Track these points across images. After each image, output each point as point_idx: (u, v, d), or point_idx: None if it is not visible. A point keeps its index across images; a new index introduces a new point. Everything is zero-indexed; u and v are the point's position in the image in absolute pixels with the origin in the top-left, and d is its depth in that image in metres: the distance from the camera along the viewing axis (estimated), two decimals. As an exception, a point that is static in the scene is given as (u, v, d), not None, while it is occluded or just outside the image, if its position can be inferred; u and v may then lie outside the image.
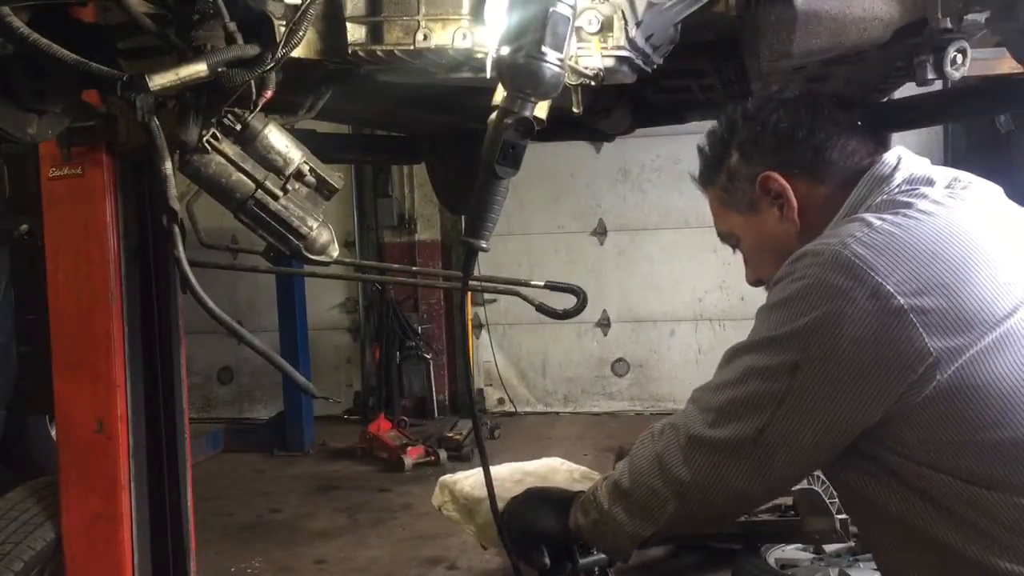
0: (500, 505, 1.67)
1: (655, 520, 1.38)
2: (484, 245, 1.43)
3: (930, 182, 1.38)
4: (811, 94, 1.59)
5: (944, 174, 1.42)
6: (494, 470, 1.83)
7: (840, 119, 1.50)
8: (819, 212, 1.44)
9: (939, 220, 1.27)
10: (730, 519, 1.41)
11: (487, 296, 7.67)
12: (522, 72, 1.35)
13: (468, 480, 1.93)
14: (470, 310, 8.01)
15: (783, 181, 1.47)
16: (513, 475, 1.95)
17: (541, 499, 1.65)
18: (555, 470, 2.02)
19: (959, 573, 1.23)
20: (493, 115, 1.38)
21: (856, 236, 1.25)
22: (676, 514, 1.36)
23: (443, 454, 6.42)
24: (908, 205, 1.31)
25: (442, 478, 1.98)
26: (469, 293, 7.45)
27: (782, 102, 1.53)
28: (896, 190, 1.38)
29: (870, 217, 1.30)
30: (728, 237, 1.64)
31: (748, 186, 1.52)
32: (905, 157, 1.43)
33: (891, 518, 1.28)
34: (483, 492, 1.74)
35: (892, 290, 1.19)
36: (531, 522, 1.61)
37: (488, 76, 1.48)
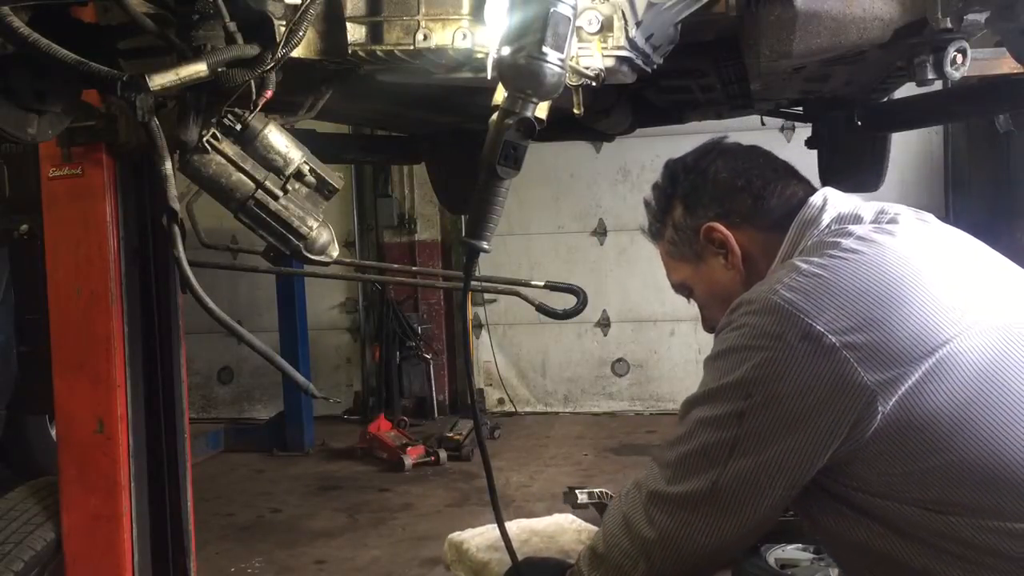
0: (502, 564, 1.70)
1: None
2: (486, 246, 1.43)
3: (857, 219, 1.41)
4: (748, 146, 1.61)
5: (870, 208, 1.44)
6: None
7: (777, 166, 1.55)
8: (762, 257, 1.48)
9: (864, 257, 1.30)
10: (714, 572, 1.38)
11: (487, 296, 7.67)
12: (523, 73, 1.34)
13: (475, 540, 1.95)
14: (470, 310, 8.01)
15: (725, 230, 1.51)
16: (520, 534, 1.95)
17: (536, 571, 1.64)
18: (563, 529, 1.99)
19: None
20: (494, 116, 1.38)
21: (784, 282, 1.28)
22: (651, 572, 1.33)
23: (443, 454, 6.42)
24: (835, 245, 1.34)
25: (451, 536, 2.00)
26: (469, 293, 7.46)
27: (721, 152, 1.58)
28: (825, 231, 1.41)
29: (798, 262, 1.33)
30: (680, 288, 1.66)
31: (693, 237, 1.56)
32: (831, 197, 1.47)
33: (874, 556, 1.28)
34: (489, 555, 1.79)
35: (822, 330, 1.21)
36: None
37: (489, 77, 1.48)
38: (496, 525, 1.81)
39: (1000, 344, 1.24)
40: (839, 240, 1.35)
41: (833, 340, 1.20)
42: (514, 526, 2.00)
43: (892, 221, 1.40)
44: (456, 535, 2.00)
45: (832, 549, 1.49)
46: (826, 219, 1.42)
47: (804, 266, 1.30)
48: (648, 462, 1.40)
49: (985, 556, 1.20)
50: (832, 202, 1.45)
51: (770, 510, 1.29)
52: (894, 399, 1.19)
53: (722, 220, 1.51)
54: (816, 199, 1.46)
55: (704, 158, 1.58)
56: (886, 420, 1.20)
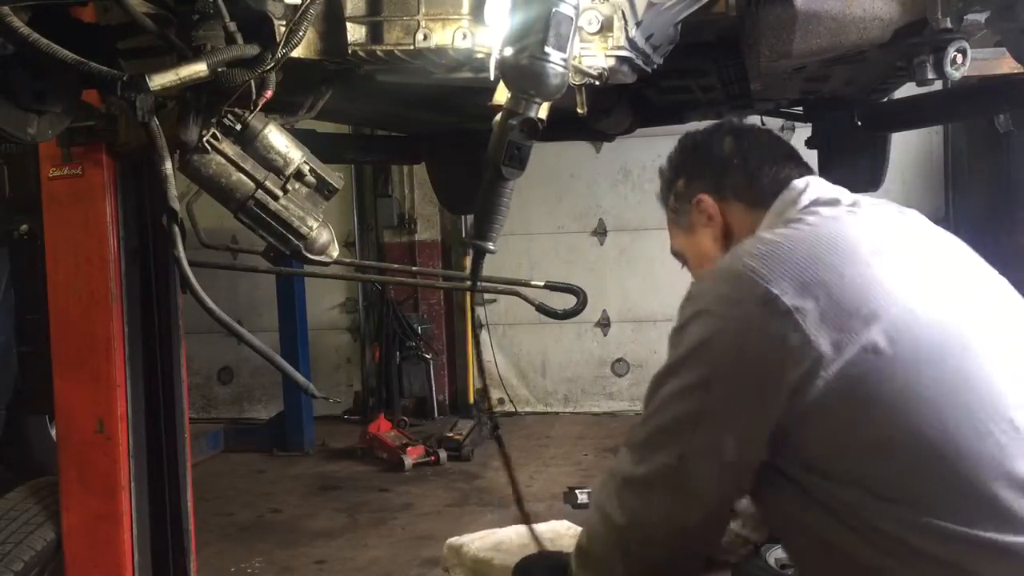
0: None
1: (614, 573, 1.38)
2: (491, 247, 1.43)
3: (833, 203, 1.45)
4: (759, 128, 1.69)
5: (849, 197, 1.48)
6: (499, 532, 1.87)
7: (781, 150, 1.60)
8: (746, 232, 1.51)
9: (822, 228, 1.35)
10: (690, 563, 1.40)
11: (487, 296, 7.66)
12: (526, 73, 1.34)
13: (476, 544, 1.96)
14: (470, 310, 8.01)
15: (713, 203, 1.57)
16: (519, 539, 1.97)
17: (538, 566, 1.68)
18: (560, 535, 2.02)
19: None
20: (498, 116, 1.38)
21: (746, 249, 1.33)
22: (628, 563, 1.34)
23: (443, 454, 6.41)
24: (800, 220, 1.40)
25: (449, 541, 2.02)
26: (469, 293, 7.46)
27: (730, 130, 1.63)
28: (799, 209, 1.45)
29: (762, 232, 1.39)
30: (678, 255, 1.71)
31: (688, 207, 1.61)
32: (814, 182, 1.51)
33: (821, 547, 1.29)
34: (491, 555, 1.83)
35: (777, 293, 1.24)
36: None
37: (492, 77, 1.48)
38: (495, 530, 1.84)
39: (939, 337, 1.25)
40: (804, 216, 1.41)
41: (787, 302, 1.23)
42: (512, 532, 2.02)
43: (860, 206, 1.44)
44: (454, 539, 2.01)
45: (786, 544, 1.50)
46: (804, 200, 1.46)
47: (766, 235, 1.36)
48: (621, 446, 1.41)
49: (919, 556, 1.20)
50: (814, 186, 1.49)
51: (735, 483, 1.31)
52: (839, 363, 1.21)
53: (713, 194, 1.57)
54: (799, 183, 1.50)
55: (713, 135, 1.63)
56: (829, 384, 1.21)
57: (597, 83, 1.59)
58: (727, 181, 1.56)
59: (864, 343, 1.21)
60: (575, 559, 1.46)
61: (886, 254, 1.32)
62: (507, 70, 1.37)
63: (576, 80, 1.55)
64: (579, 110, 1.64)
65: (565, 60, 1.35)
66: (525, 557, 1.71)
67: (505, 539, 1.96)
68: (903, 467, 1.21)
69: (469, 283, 1.51)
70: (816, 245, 1.30)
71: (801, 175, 1.53)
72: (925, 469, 1.20)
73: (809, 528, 1.29)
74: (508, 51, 1.36)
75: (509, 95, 1.37)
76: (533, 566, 1.69)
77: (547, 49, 1.33)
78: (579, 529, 2.00)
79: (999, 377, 1.26)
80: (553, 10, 1.33)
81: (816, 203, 1.45)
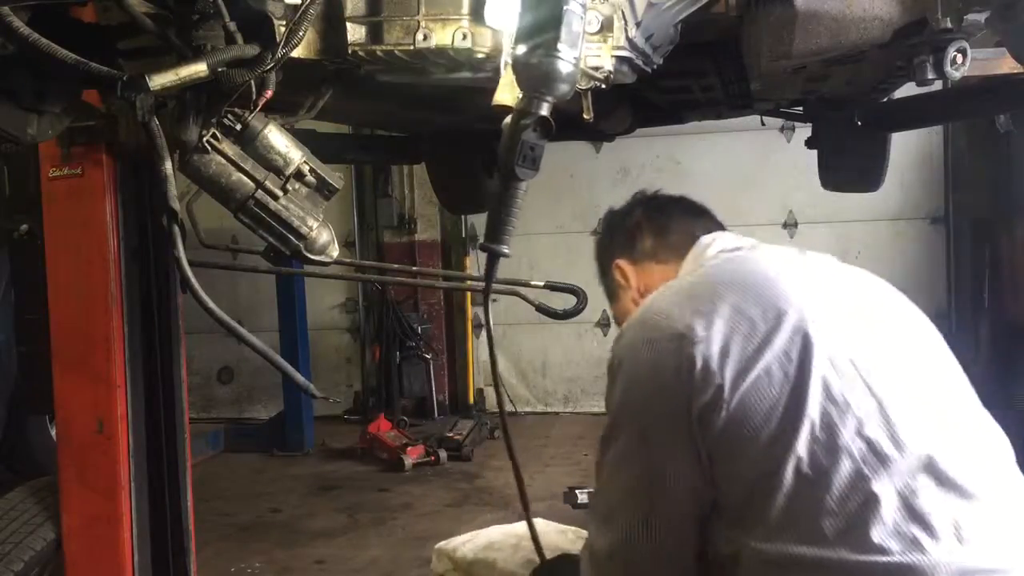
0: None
1: None
2: (506, 250, 1.40)
3: (736, 249, 1.60)
4: (670, 196, 1.83)
5: (750, 243, 1.63)
6: (484, 533, 1.88)
7: (686, 212, 1.75)
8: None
9: (725, 266, 1.51)
10: None
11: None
12: (539, 71, 1.33)
13: (467, 546, 1.96)
14: (470, 310, 8.01)
15: (627, 267, 1.73)
16: (507, 539, 1.99)
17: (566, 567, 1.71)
18: (544, 532, 2.05)
19: None
20: (509, 117, 1.36)
21: (655, 297, 1.46)
22: None
23: (443, 454, 6.41)
24: (702, 266, 1.56)
25: (438, 546, 2.06)
26: (469, 293, 7.45)
27: (639, 202, 1.80)
28: (706, 259, 1.59)
29: (671, 281, 1.54)
30: (616, 321, 1.82)
31: (611, 273, 1.77)
32: (720, 237, 1.65)
33: None
34: (489, 555, 1.89)
35: (683, 330, 1.33)
36: None
37: (501, 76, 1.47)
38: (477, 532, 1.86)
39: (821, 365, 1.31)
40: (708, 262, 1.57)
41: (694, 337, 1.32)
42: (497, 532, 2.02)
43: (755, 247, 1.61)
44: (443, 544, 2.01)
45: None
46: (711, 252, 1.60)
47: (675, 283, 1.51)
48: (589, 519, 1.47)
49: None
50: (720, 240, 1.63)
51: (700, 525, 1.34)
52: (737, 395, 1.28)
53: (628, 259, 1.73)
54: (706, 238, 1.64)
55: (627, 207, 1.80)
56: (728, 413, 1.28)
57: (603, 86, 1.59)
58: (638, 245, 1.72)
59: (760, 369, 1.29)
60: None
61: (785, 273, 1.46)
62: (519, 69, 1.35)
63: (583, 84, 1.55)
64: (585, 115, 1.63)
65: (577, 58, 1.34)
66: (547, 560, 1.75)
67: (495, 539, 1.96)
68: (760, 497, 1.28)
69: (483, 286, 1.49)
70: (716, 282, 1.44)
71: (710, 231, 1.66)
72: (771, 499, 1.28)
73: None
74: (520, 49, 1.35)
75: (521, 94, 1.35)
76: (559, 568, 1.73)
77: (560, 46, 1.32)
78: (558, 525, 2.05)
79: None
80: (565, 7, 1.32)
81: (722, 252, 1.58)
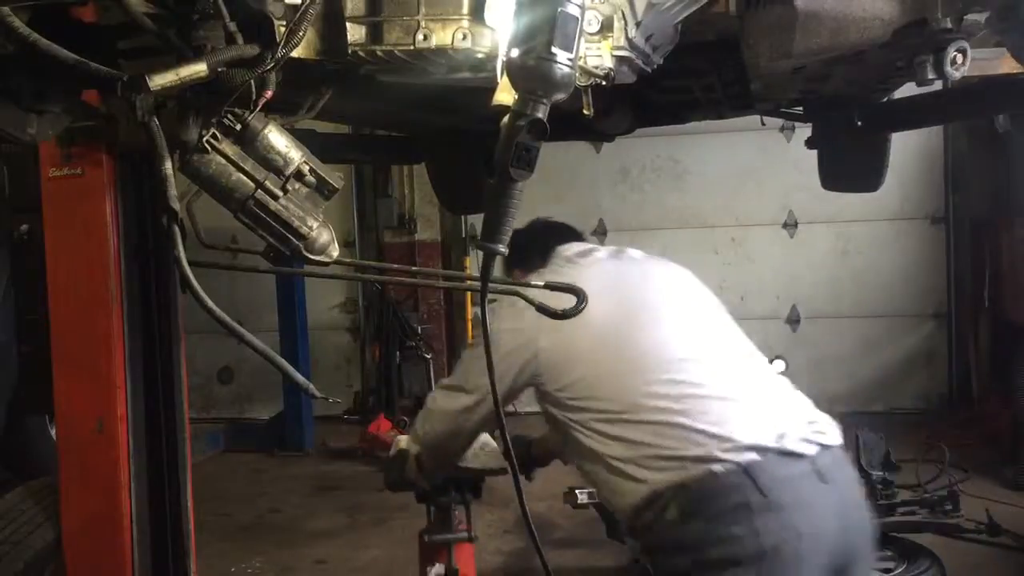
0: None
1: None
2: (502, 249, 1.42)
3: (584, 253, 2.35)
4: (546, 221, 2.65)
5: (606, 251, 2.39)
6: None
7: (559, 232, 2.52)
8: None
9: (569, 265, 2.27)
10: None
11: (487, 296, 7.64)
12: (533, 74, 1.34)
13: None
14: (470, 310, 8.01)
15: (522, 274, 2.30)
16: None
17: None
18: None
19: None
20: (506, 118, 1.37)
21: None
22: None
23: (443, 454, 6.40)
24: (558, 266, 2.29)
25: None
26: (469, 293, 7.45)
27: (529, 224, 2.49)
28: (561, 259, 2.32)
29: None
30: None
31: (514, 279, 2.27)
32: (575, 245, 2.40)
33: (571, 442, 2.14)
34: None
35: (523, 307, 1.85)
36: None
37: (498, 78, 1.47)
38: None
39: (621, 316, 2.11)
40: (561, 263, 2.30)
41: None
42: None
43: (592, 250, 2.36)
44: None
45: (567, 451, 2.33)
46: (561, 257, 2.32)
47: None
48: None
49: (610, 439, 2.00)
50: (574, 247, 2.37)
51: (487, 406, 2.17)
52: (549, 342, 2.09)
53: (521, 268, 2.32)
54: (563, 248, 2.36)
55: (521, 230, 2.24)
56: (546, 355, 2.10)
57: (604, 83, 1.59)
58: (525, 255, 2.27)
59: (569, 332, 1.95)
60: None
61: (595, 264, 2.29)
62: (514, 71, 1.36)
63: (582, 81, 1.55)
64: (585, 111, 1.63)
65: (572, 60, 1.34)
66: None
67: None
68: (591, 387, 2.06)
69: (479, 285, 1.52)
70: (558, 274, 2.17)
71: (569, 243, 2.40)
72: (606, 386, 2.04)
73: (569, 438, 2.13)
74: (514, 52, 1.36)
75: (516, 96, 1.36)
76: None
77: (554, 49, 1.32)
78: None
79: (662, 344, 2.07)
80: (559, 10, 1.32)
81: (571, 256, 2.31)
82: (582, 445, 2.06)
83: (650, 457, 1.94)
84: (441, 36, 1.52)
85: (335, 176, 1.59)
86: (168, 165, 1.42)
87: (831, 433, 2.01)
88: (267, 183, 1.50)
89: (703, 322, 2.19)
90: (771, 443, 1.90)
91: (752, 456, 1.88)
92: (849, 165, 4.27)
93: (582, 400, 2.06)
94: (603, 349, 2.05)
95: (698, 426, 1.92)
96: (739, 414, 1.95)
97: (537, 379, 2.13)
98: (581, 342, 2.04)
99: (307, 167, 1.55)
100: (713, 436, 1.90)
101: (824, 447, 1.96)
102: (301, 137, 1.59)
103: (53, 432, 4.90)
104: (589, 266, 2.27)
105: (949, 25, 1.86)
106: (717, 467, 1.87)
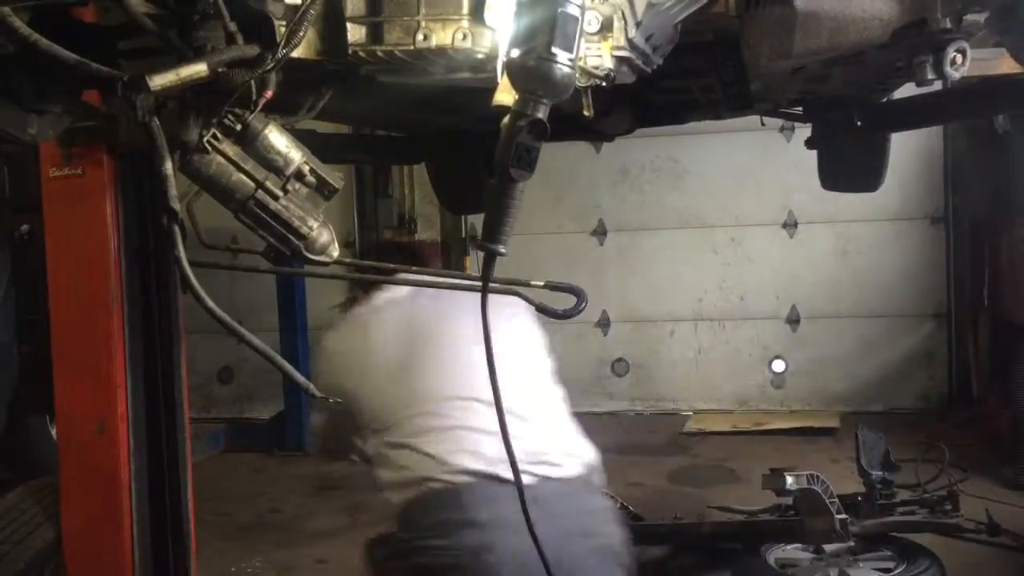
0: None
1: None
2: (502, 249, 1.42)
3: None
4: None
5: (409, 290, 2.63)
6: None
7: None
8: None
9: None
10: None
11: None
12: (533, 74, 1.34)
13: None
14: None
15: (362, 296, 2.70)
16: None
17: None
18: None
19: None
20: (506, 118, 1.37)
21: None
22: None
23: (443, 454, 6.40)
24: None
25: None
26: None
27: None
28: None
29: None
30: None
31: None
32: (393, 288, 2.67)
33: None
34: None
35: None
36: None
37: (498, 79, 1.47)
38: None
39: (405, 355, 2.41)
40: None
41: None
42: None
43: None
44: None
45: None
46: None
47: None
48: None
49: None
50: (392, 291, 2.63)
51: None
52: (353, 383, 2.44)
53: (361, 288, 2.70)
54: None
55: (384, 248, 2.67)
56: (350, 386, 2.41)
57: (604, 84, 1.59)
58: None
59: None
60: None
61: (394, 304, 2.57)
62: (514, 71, 1.36)
63: (582, 81, 1.55)
64: (585, 112, 1.63)
65: (572, 60, 1.34)
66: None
67: None
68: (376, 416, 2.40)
69: (479, 285, 1.52)
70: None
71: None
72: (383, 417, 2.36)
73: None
74: (515, 52, 1.36)
75: (517, 96, 1.36)
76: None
77: (554, 49, 1.32)
78: None
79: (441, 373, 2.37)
80: (559, 10, 1.32)
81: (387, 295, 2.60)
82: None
83: (394, 480, 2.33)
84: (441, 36, 1.52)
85: (335, 176, 1.59)
86: (168, 165, 1.42)
87: (567, 466, 2.25)
88: (267, 183, 1.51)
89: (478, 362, 2.32)
90: (486, 468, 2.14)
91: (465, 479, 2.15)
92: (849, 165, 4.27)
93: (370, 423, 2.42)
94: (386, 384, 2.38)
95: (427, 451, 2.23)
96: (470, 443, 2.21)
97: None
98: (373, 377, 2.39)
99: (307, 167, 1.55)
100: (440, 461, 2.20)
101: (547, 479, 2.17)
102: (301, 137, 1.59)
103: (53, 432, 4.91)
104: (391, 304, 2.56)
105: (948, 25, 1.87)
106: (436, 485, 2.18)
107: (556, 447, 2.29)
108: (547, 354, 2.66)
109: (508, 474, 2.00)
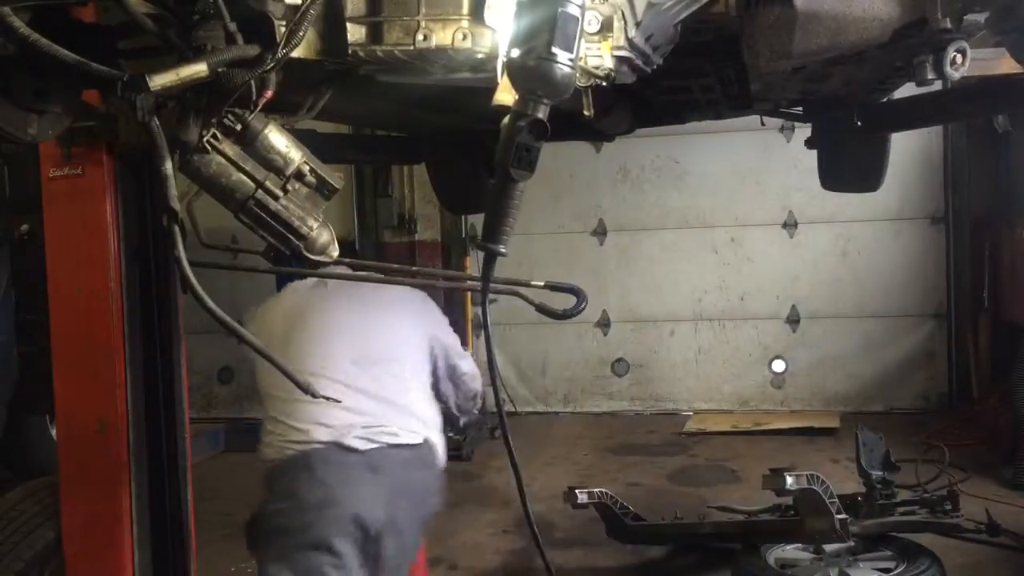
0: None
1: None
2: (503, 249, 1.42)
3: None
4: None
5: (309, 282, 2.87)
6: None
7: None
8: None
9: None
10: None
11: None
12: (533, 74, 1.34)
13: None
14: (470, 310, 8.01)
15: None
16: None
17: None
18: None
19: None
20: (506, 118, 1.37)
21: None
22: None
23: (443, 454, 6.40)
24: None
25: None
26: (469, 293, 7.45)
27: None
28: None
29: None
30: None
31: None
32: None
33: None
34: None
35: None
36: None
37: (499, 79, 1.47)
38: None
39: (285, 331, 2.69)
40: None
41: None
42: None
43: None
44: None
45: None
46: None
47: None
48: None
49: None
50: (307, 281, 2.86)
51: None
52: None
53: None
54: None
55: None
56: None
57: (604, 83, 1.59)
58: None
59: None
60: None
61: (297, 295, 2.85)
62: (515, 71, 1.36)
63: (582, 81, 1.55)
64: (585, 112, 1.63)
65: (572, 60, 1.34)
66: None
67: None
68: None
69: (480, 285, 1.52)
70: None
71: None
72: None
73: None
74: (515, 52, 1.36)
75: (517, 96, 1.36)
76: None
77: (554, 49, 1.32)
78: None
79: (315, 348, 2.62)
80: (559, 10, 1.32)
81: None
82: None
83: (262, 449, 2.61)
84: (441, 36, 1.52)
85: (335, 176, 1.59)
86: (168, 165, 1.42)
87: (404, 436, 2.55)
88: (267, 183, 1.51)
89: (342, 341, 2.66)
90: (333, 438, 2.48)
91: (315, 446, 2.47)
92: (849, 165, 4.27)
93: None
94: (262, 363, 2.42)
95: (289, 423, 2.53)
96: (320, 416, 2.50)
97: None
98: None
99: (307, 167, 1.55)
100: (297, 430, 2.51)
101: (385, 445, 2.51)
102: (301, 137, 1.59)
103: (53, 432, 4.90)
104: (289, 292, 2.88)
105: (948, 25, 1.87)
106: (290, 451, 2.49)
107: (404, 421, 2.60)
108: (427, 349, 2.81)
109: (351, 442, 2.46)
